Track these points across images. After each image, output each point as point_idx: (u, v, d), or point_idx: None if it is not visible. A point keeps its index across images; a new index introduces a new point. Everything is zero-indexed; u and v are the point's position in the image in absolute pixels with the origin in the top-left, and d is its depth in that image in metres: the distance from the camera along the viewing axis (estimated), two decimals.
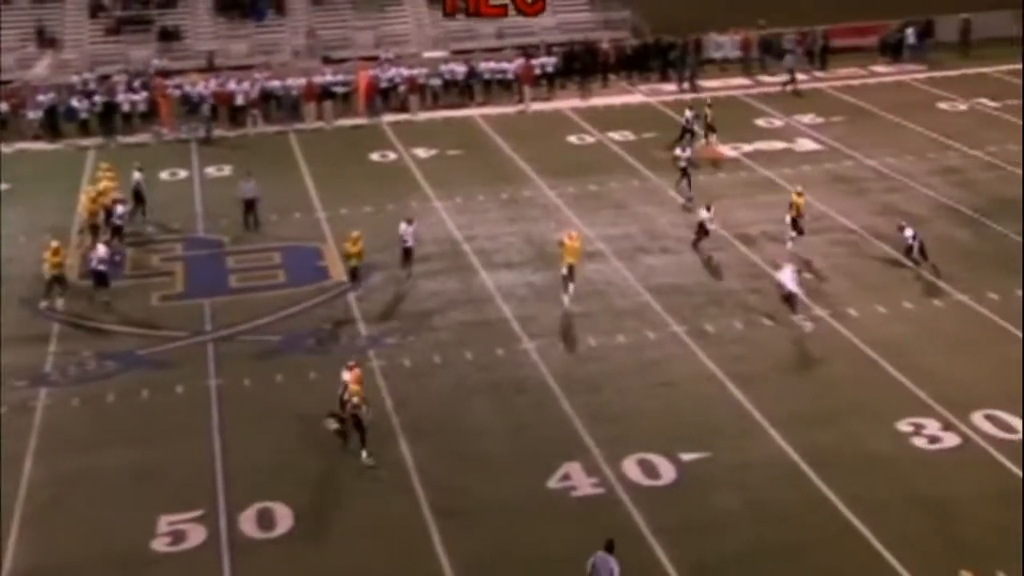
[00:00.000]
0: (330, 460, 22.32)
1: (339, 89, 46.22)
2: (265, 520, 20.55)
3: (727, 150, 39.73)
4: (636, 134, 42.26)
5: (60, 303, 28.97)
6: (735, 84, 48.96)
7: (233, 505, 20.93)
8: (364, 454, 22.03)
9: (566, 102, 47.13)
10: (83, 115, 44.23)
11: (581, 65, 49.64)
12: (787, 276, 27.48)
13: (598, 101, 47.25)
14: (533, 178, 38.00)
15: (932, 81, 48.37)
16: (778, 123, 43.30)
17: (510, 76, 47.69)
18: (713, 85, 48.62)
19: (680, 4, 52.79)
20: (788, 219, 31.26)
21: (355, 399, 22.18)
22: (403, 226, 29.97)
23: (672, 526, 19.99)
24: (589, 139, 42.43)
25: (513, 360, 26.16)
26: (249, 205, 34.01)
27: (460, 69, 47.78)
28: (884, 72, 50.25)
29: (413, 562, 19.52)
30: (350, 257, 29.10)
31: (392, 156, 41.07)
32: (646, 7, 53.39)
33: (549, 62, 48.58)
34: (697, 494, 21.03)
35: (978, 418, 23.03)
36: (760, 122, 43.23)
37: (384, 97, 46.31)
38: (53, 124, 44.13)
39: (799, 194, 31.37)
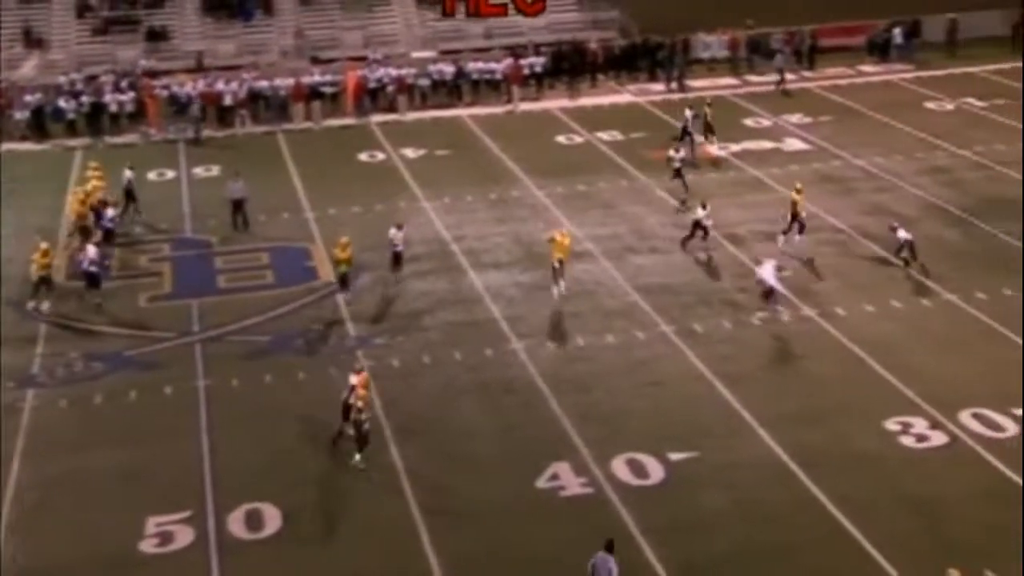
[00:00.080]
0: (319, 460, 22.31)
1: (327, 89, 46.16)
2: (253, 521, 20.51)
3: (715, 150, 39.74)
4: (624, 134, 42.28)
5: (46, 305, 28.85)
6: (723, 84, 48.97)
7: (221, 506, 20.90)
8: (357, 457, 21.96)
9: (554, 102, 47.13)
10: (70, 115, 44.11)
11: (569, 65, 49.66)
12: (767, 272, 27.63)
13: (586, 101, 47.26)
14: (521, 178, 38.00)
15: (919, 81, 48.47)
16: (766, 123, 43.35)
17: (498, 76, 47.67)
18: (701, 85, 48.64)
19: (668, 4, 52.77)
20: (788, 215, 31.37)
21: (360, 403, 22.07)
22: (393, 231, 29.83)
23: (661, 526, 20.00)
24: (577, 139, 42.44)
25: (502, 360, 26.15)
26: (238, 205, 33.95)
27: (448, 69, 47.75)
28: (872, 72, 50.33)
29: (402, 562, 19.51)
30: (339, 263, 28.91)
31: (380, 156, 41.03)
32: (634, 7, 53.39)
33: (537, 62, 48.58)
34: (686, 494, 21.05)
35: (966, 417, 23.10)
36: (748, 122, 43.27)
37: (372, 97, 46.27)
38: (40, 125, 44.00)
39: (798, 191, 31.46)
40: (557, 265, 28.70)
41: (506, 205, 35.74)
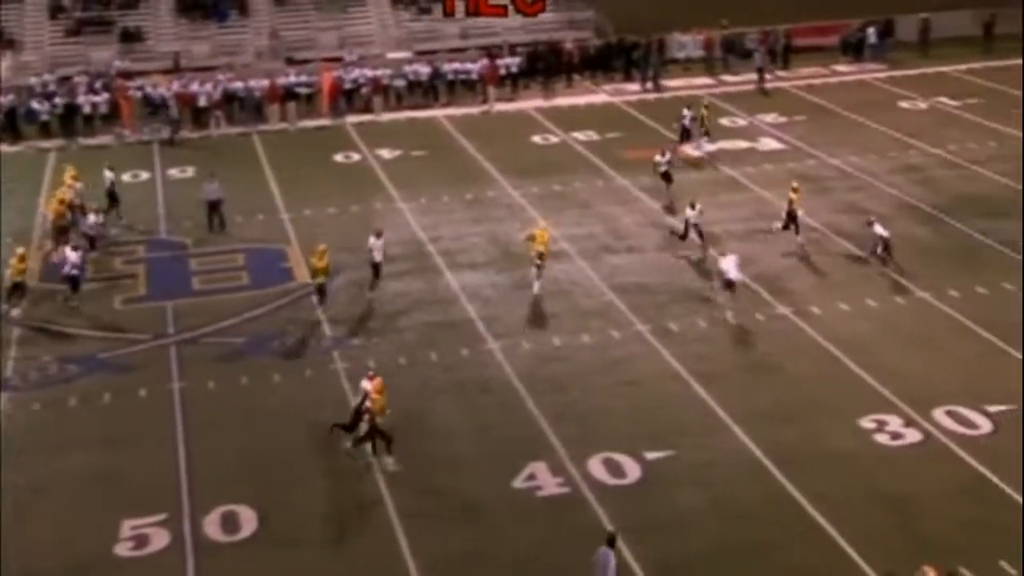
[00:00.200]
0: (295, 462, 22.25)
1: (303, 90, 46.08)
2: (229, 523, 20.45)
3: (691, 149, 39.83)
4: (600, 134, 42.35)
5: (16, 312, 28.58)
6: (698, 84, 49.11)
7: (197, 508, 20.82)
8: (389, 460, 21.81)
9: (530, 102, 47.18)
10: (44, 117, 43.86)
11: (545, 65, 49.75)
12: (730, 264, 27.83)
13: (562, 101, 47.32)
14: (497, 178, 38.01)
15: (893, 80, 48.73)
16: (741, 122, 43.49)
17: (474, 76, 47.71)
18: (676, 85, 48.85)
19: (643, 4, 52.98)
20: (784, 213, 31.60)
21: (376, 408, 21.87)
22: (372, 239, 29.34)
23: (637, 525, 20.02)
24: (553, 139, 42.47)
25: (478, 360, 26.15)
26: (214, 207, 33.82)
27: (424, 70, 47.74)
28: (845, 71, 50.58)
29: (379, 564, 19.48)
30: (317, 273, 28.55)
31: (356, 157, 40.97)
32: (609, 7, 53.54)
33: (513, 62, 48.65)
34: (662, 492, 21.10)
35: (939, 414, 23.23)
36: (724, 121, 43.37)
37: (348, 98, 46.21)
38: (13, 126, 43.72)
39: (795, 190, 31.63)
40: (538, 260, 28.78)
41: (482, 205, 35.74)
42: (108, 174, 34.86)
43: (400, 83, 47.31)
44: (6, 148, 42.50)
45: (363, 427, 22.07)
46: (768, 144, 40.97)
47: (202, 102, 44.50)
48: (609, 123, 43.67)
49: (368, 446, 22.07)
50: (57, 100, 44.22)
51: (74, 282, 29.13)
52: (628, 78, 50.00)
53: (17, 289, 28.79)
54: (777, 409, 23.76)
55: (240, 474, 21.89)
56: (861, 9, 52.74)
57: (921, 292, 28.73)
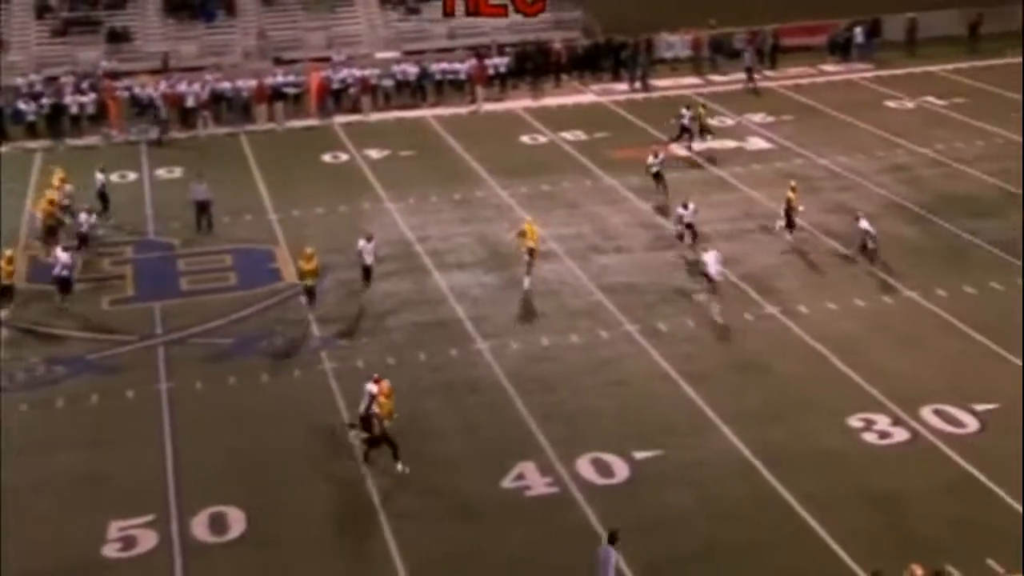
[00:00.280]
0: (283, 463, 22.21)
1: (290, 90, 46.04)
2: (218, 524, 20.41)
3: (679, 149, 39.86)
4: (588, 134, 42.37)
5: (4, 314, 28.45)
6: (686, 83, 49.18)
7: (185, 509, 20.78)
8: (399, 466, 21.67)
9: (518, 102, 47.19)
10: (30, 117, 43.76)
11: (533, 65, 49.80)
12: (711, 259, 28.02)
13: (550, 101, 47.34)
14: (486, 178, 38.00)
15: (880, 80, 48.83)
16: (729, 122, 43.53)
17: (462, 76, 47.72)
18: (665, 84, 48.91)
19: (631, 4, 53.01)
20: (782, 211, 31.75)
21: (383, 413, 21.79)
22: (362, 243, 29.23)
23: (626, 524, 19.85)
24: (542, 139, 42.48)
25: (467, 360, 26.14)
26: (202, 207, 33.75)
27: (412, 70, 47.72)
28: (833, 71, 50.68)
29: (367, 564, 19.47)
30: (305, 275, 28.43)
31: (344, 157, 40.92)
32: (597, 7, 53.55)
33: (501, 62, 48.67)
34: (650, 492, 21.10)
35: (927, 413, 23.27)
36: (712, 121, 43.36)
37: (336, 98, 46.17)
38: None
39: (793, 188, 31.72)
40: (528, 256, 28.78)
41: (470, 205, 35.73)
42: (100, 176, 34.84)
43: (388, 83, 47.29)
44: None
45: (362, 434, 21.98)
46: (756, 144, 41.02)
47: (190, 102, 44.41)
48: (597, 123, 43.68)
49: (361, 454, 21.97)
50: (44, 100, 44.13)
51: (65, 283, 29.06)
52: (616, 78, 50.03)
53: (5, 291, 28.68)
54: (765, 408, 23.80)
55: (228, 475, 21.85)
56: (848, 9, 52.86)
57: (909, 291, 28.80)
